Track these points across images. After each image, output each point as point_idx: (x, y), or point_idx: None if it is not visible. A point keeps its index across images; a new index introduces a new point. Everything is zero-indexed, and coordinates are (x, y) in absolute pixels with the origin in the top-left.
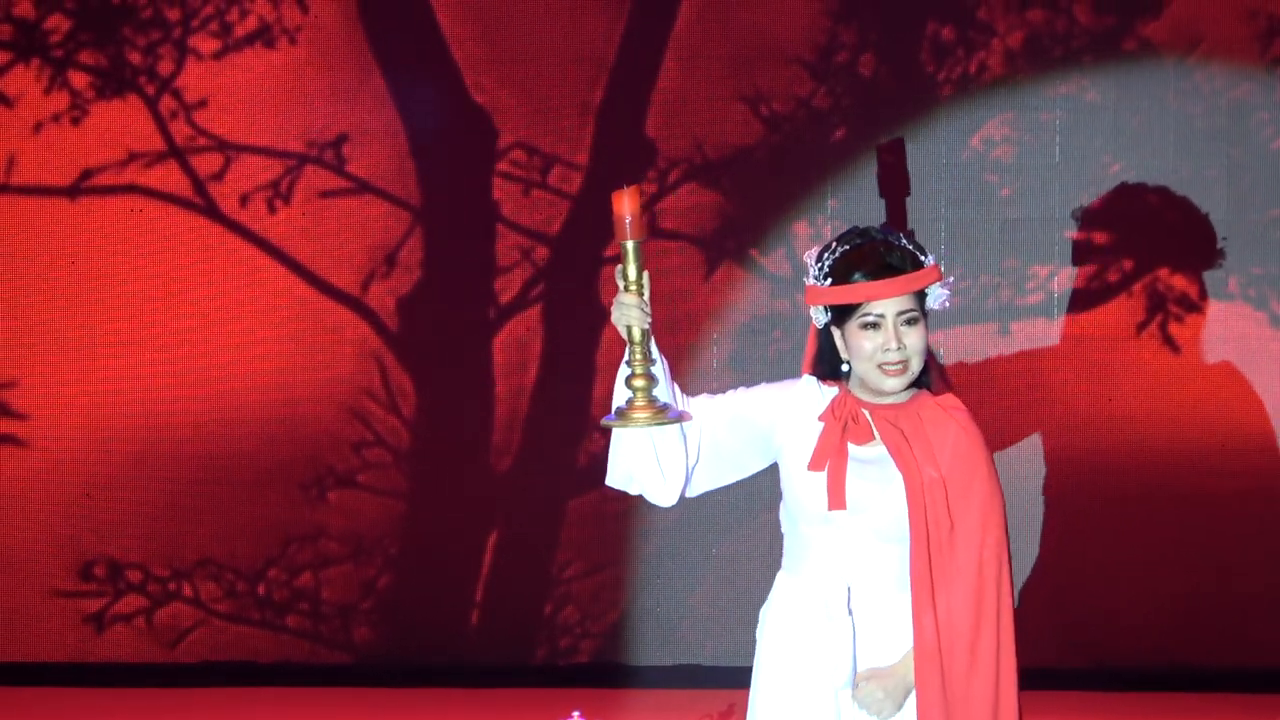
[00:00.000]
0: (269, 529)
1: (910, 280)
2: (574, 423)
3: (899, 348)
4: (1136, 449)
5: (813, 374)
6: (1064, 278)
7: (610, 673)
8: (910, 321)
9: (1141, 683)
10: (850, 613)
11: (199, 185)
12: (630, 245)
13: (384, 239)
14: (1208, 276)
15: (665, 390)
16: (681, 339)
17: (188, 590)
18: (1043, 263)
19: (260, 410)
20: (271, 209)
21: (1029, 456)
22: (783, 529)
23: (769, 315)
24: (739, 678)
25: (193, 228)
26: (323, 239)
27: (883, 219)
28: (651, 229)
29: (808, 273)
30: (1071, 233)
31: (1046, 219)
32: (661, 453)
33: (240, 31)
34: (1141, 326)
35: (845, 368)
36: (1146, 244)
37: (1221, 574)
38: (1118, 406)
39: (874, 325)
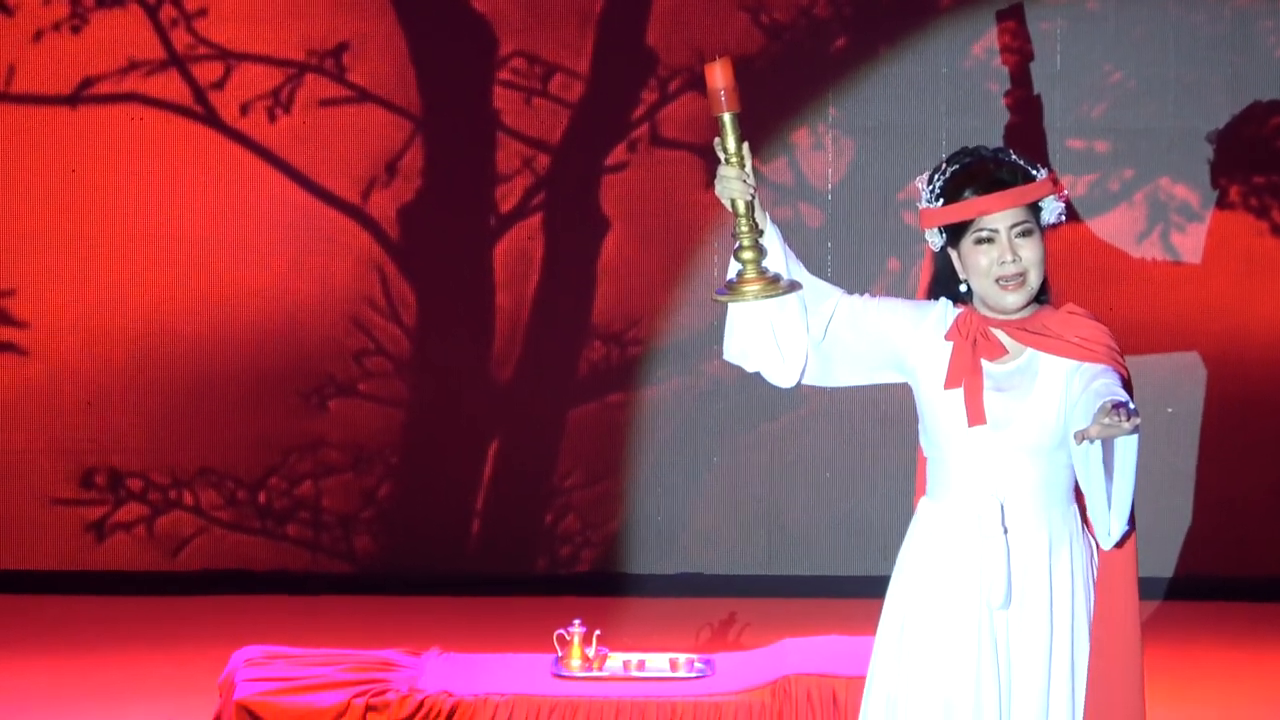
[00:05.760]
0: (269, 438)
1: (1021, 193)
2: (575, 332)
3: (1015, 259)
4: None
5: (928, 298)
6: (1065, 186)
7: (611, 581)
8: (1025, 233)
9: (1148, 591)
10: (1005, 529)
11: (199, 94)
12: (727, 117)
13: (384, 148)
14: (1209, 185)
15: (779, 261)
16: (681, 249)
17: (188, 499)
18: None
19: (261, 318)
20: (272, 118)
21: None
22: (925, 454)
23: None
24: (739, 586)
25: (193, 136)
26: (323, 148)
27: (877, 128)
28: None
29: (920, 198)
30: (1072, 140)
31: (1048, 127)
32: (779, 328)
33: None
34: (1143, 235)
35: (964, 288)
36: (1147, 153)
37: (1224, 482)
38: (1119, 314)
39: (988, 240)
